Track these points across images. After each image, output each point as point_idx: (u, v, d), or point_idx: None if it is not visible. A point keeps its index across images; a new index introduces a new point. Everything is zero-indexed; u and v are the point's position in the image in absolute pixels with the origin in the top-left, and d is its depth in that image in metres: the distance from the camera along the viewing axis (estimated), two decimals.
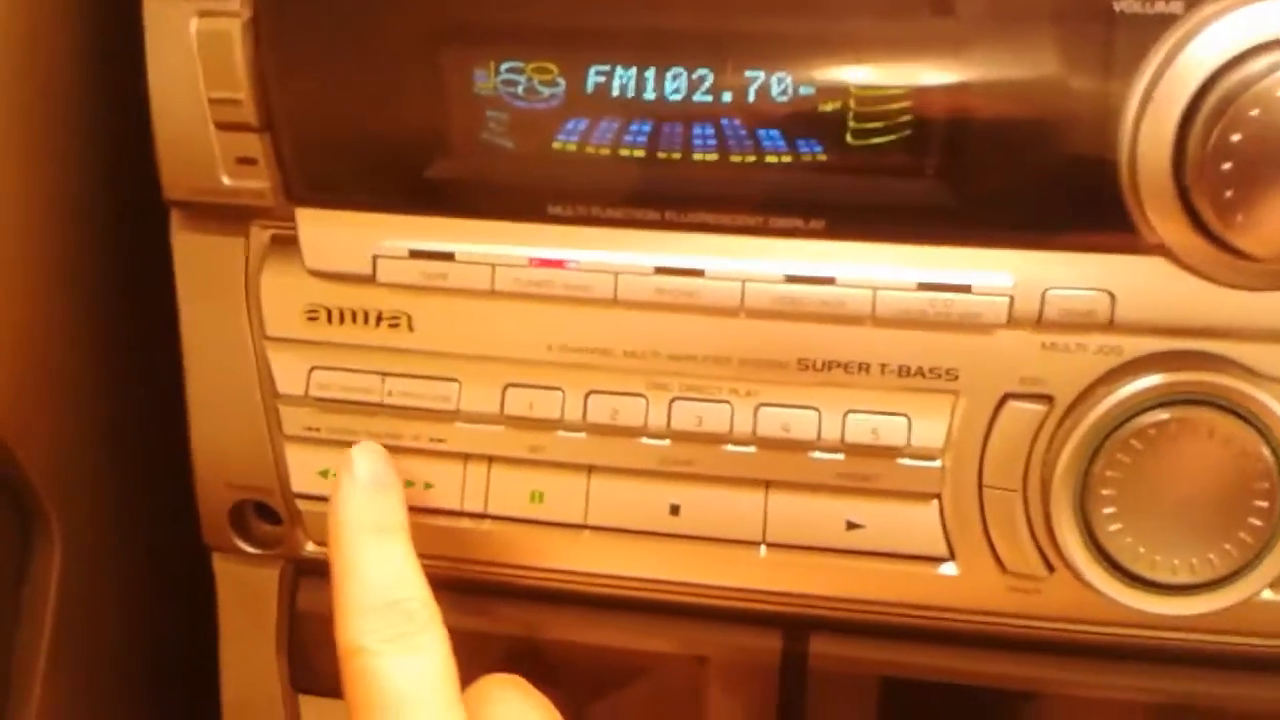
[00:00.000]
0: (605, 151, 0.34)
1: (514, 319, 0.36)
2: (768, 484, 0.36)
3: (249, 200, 0.36)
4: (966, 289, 0.33)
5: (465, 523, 0.38)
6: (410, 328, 0.37)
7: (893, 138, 0.32)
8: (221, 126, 0.35)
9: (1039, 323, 0.33)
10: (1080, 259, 0.32)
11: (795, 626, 0.39)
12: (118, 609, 0.45)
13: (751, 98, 0.32)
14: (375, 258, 0.36)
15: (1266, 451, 0.32)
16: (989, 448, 0.35)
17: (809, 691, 0.39)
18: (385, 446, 0.38)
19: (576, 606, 0.40)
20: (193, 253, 0.38)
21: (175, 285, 0.39)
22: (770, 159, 0.33)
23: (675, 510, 0.37)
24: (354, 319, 0.37)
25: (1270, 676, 0.36)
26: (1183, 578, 0.33)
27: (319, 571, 0.41)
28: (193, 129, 0.35)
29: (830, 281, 0.34)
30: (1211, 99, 0.29)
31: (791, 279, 0.34)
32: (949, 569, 0.36)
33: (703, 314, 0.35)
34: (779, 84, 0.32)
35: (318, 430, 0.38)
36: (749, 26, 0.32)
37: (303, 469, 0.39)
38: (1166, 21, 0.30)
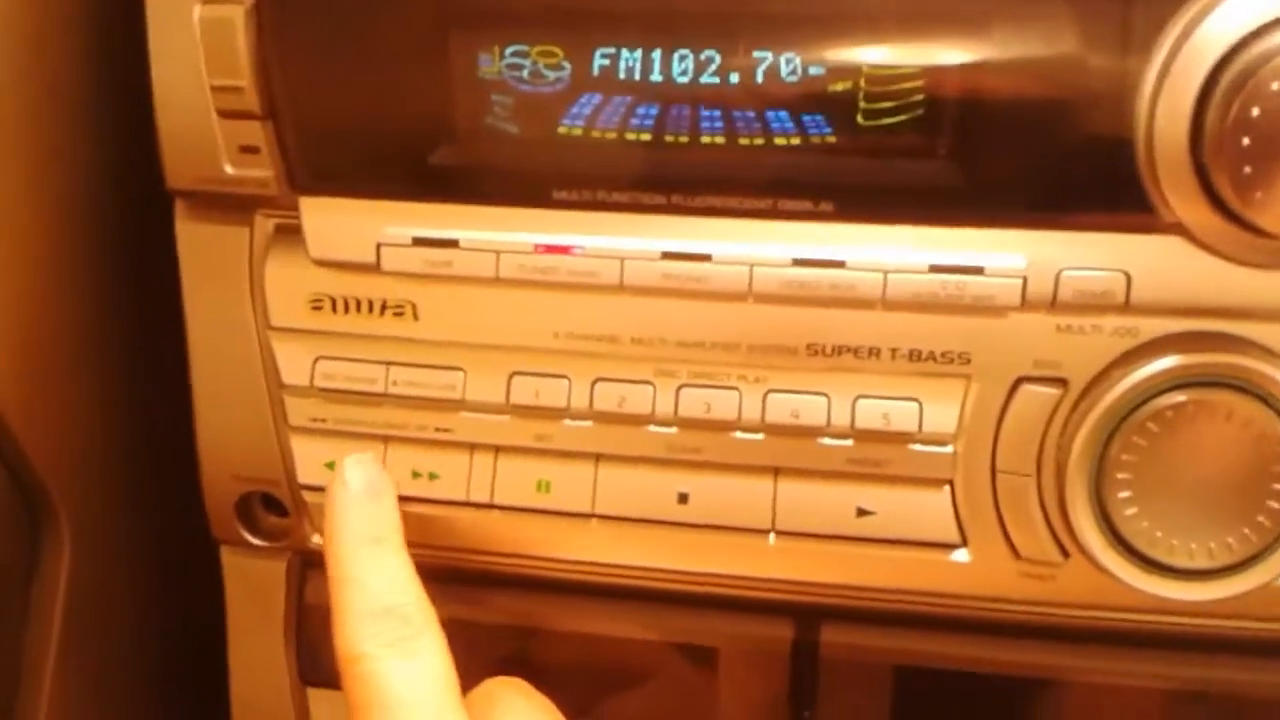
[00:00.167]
0: (611, 135, 0.33)
1: (519, 306, 0.36)
2: (777, 471, 0.36)
3: (252, 189, 0.36)
4: (979, 271, 0.33)
5: (471, 513, 0.38)
6: (415, 316, 0.36)
7: (904, 118, 0.32)
8: (224, 114, 0.35)
9: (1053, 304, 0.33)
10: (1095, 239, 0.32)
11: (806, 615, 0.38)
12: (127, 604, 0.45)
13: (760, 78, 0.32)
14: (379, 246, 0.35)
15: None
16: (1002, 432, 0.34)
17: (821, 680, 0.38)
18: (391, 437, 0.38)
19: (584, 597, 0.39)
20: (197, 243, 0.38)
21: (180, 276, 0.39)
22: (779, 141, 0.33)
23: (684, 499, 0.36)
24: (358, 308, 0.37)
25: None
26: (1200, 562, 0.33)
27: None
28: (195, 117, 0.35)
29: (840, 265, 0.33)
30: (1230, 73, 0.29)
31: (800, 262, 0.33)
32: (961, 556, 0.36)
33: (710, 299, 0.34)
34: (788, 64, 0.32)
35: (323, 421, 0.38)
36: (757, 6, 0.32)
37: (308, 460, 0.39)
38: None
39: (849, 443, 0.35)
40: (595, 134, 0.33)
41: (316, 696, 0.43)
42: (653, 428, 0.36)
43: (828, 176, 0.33)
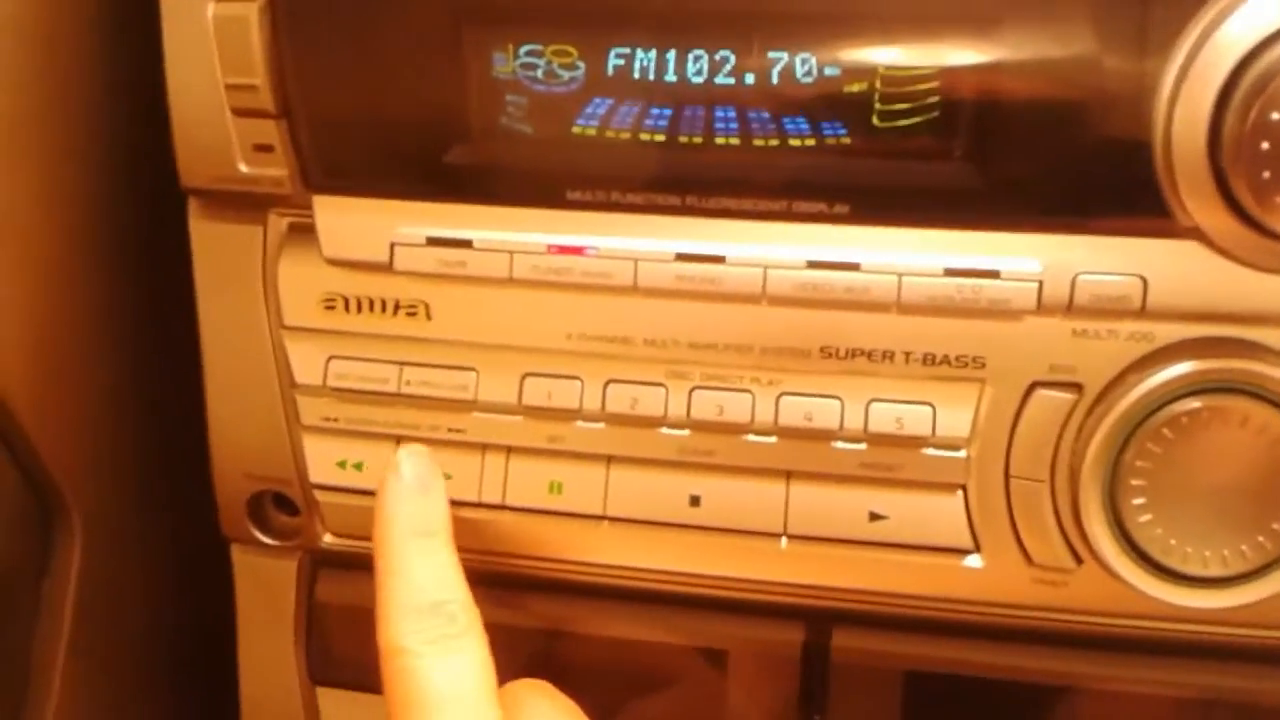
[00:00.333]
0: (625, 135, 0.33)
1: (532, 307, 0.35)
2: (789, 474, 0.36)
3: (266, 188, 0.36)
4: (995, 274, 0.32)
5: (483, 514, 0.38)
6: (428, 316, 0.36)
7: (920, 119, 0.32)
8: (238, 113, 0.35)
9: (1069, 309, 0.32)
10: (1112, 243, 0.32)
11: (817, 619, 0.38)
12: (138, 602, 0.45)
13: (775, 79, 0.32)
14: (393, 245, 0.35)
15: None
16: (1016, 437, 0.34)
17: (831, 685, 0.38)
18: (403, 437, 0.38)
19: (595, 599, 0.39)
20: (210, 242, 0.38)
21: (193, 275, 0.39)
22: (794, 142, 0.32)
23: (695, 501, 0.36)
24: (371, 308, 0.37)
25: None
26: (1214, 570, 0.32)
27: (337, 563, 0.41)
28: (209, 115, 0.35)
29: (855, 267, 0.33)
30: (1249, 76, 0.28)
31: (815, 265, 0.33)
32: (974, 561, 0.35)
33: (724, 301, 0.34)
34: (803, 65, 0.32)
35: (335, 420, 0.38)
36: (772, 6, 0.32)
37: (320, 459, 0.39)
38: None
39: (862, 446, 0.35)
40: (609, 134, 0.33)
41: (326, 695, 0.43)
42: (665, 430, 0.36)
43: (843, 178, 0.33)
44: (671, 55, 0.32)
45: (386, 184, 0.35)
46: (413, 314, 0.37)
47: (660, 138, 0.33)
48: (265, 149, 0.35)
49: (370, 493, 0.38)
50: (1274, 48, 0.28)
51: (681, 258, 0.34)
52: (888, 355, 0.34)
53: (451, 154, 0.34)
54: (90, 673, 0.42)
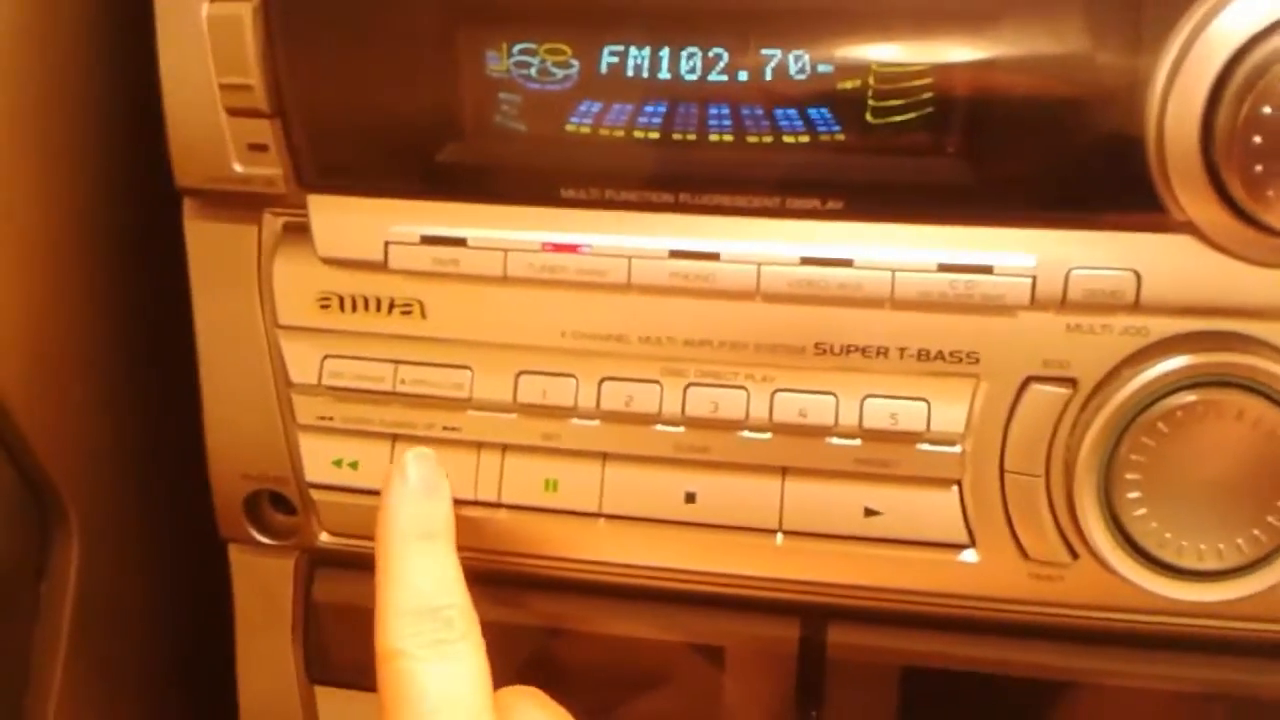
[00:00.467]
0: (619, 133, 0.33)
1: (527, 305, 0.35)
2: (784, 471, 0.36)
3: (260, 187, 0.36)
4: (988, 270, 0.32)
5: (479, 512, 0.38)
6: (423, 315, 0.36)
7: (913, 115, 0.32)
8: (232, 112, 0.35)
9: (1063, 304, 0.32)
10: (1105, 238, 0.32)
11: (813, 615, 0.38)
12: (136, 602, 0.45)
13: (768, 76, 0.32)
14: (387, 244, 0.35)
15: None
16: (1011, 432, 0.34)
17: (828, 681, 0.38)
18: (398, 435, 0.38)
19: (591, 596, 0.39)
20: (205, 241, 0.38)
21: (189, 275, 0.39)
22: (787, 139, 0.32)
23: (691, 498, 0.36)
24: (366, 306, 0.37)
25: None
26: (1210, 563, 0.32)
27: (334, 562, 0.41)
28: (204, 115, 0.35)
29: (848, 263, 0.33)
30: (1242, 71, 0.28)
31: (809, 261, 0.33)
32: (970, 556, 0.35)
33: (718, 298, 0.34)
34: (796, 62, 0.32)
35: (331, 419, 0.38)
36: (765, 3, 0.32)
37: (316, 458, 0.39)
38: None
39: (857, 442, 0.35)
40: (603, 132, 0.33)
41: (324, 694, 0.43)
42: (660, 427, 0.36)
43: (836, 175, 0.33)
44: (665, 53, 0.32)
45: (381, 183, 0.35)
46: (407, 312, 0.37)
47: (654, 135, 0.33)
48: (259, 148, 0.35)
49: (366, 491, 0.38)
50: (1266, 42, 0.28)
51: (675, 255, 0.34)
52: (882, 351, 0.34)
53: (445, 152, 0.34)
54: (89, 673, 0.42)
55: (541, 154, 0.34)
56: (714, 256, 0.34)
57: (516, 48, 0.33)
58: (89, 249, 0.40)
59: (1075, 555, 0.35)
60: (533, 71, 0.33)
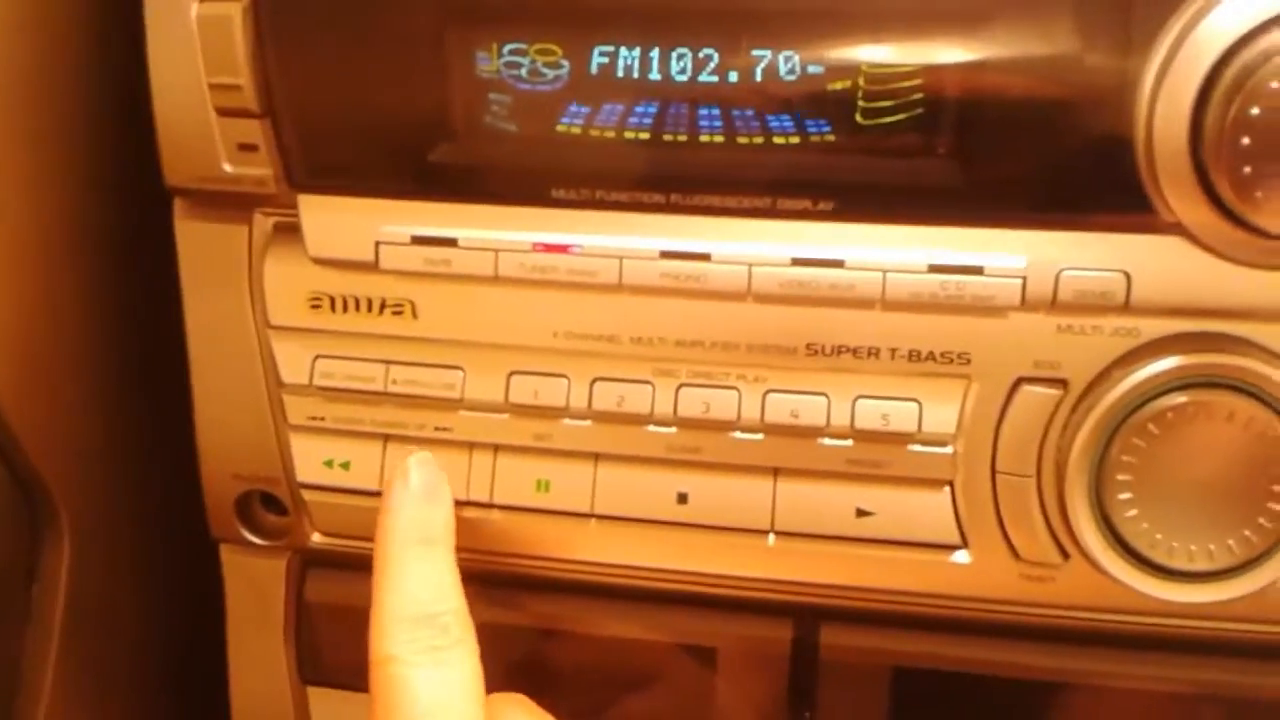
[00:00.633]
0: (610, 134, 0.33)
1: (518, 305, 0.35)
2: (776, 471, 0.36)
3: (250, 187, 0.36)
4: (979, 271, 0.32)
5: (471, 512, 0.38)
6: (414, 315, 0.36)
7: (903, 117, 0.32)
8: (222, 112, 0.35)
9: (1053, 305, 0.32)
10: (1095, 239, 0.32)
11: (805, 616, 0.38)
12: (127, 603, 0.45)
13: (758, 77, 0.32)
14: (378, 244, 0.35)
15: None
16: (1002, 433, 0.34)
17: (820, 682, 0.38)
18: (390, 435, 0.38)
19: (583, 597, 0.39)
20: (196, 241, 0.38)
21: (179, 275, 0.39)
22: (778, 140, 0.32)
23: (683, 498, 0.36)
24: (357, 307, 0.37)
25: None
26: (1201, 564, 0.32)
27: (326, 562, 0.41)
28: (193, 115, 0.35)
29: (839, 264, 0.33)
30: (1230, 72, 0.28)
31: (800, 262, 0.33)
32: (961, 557, 0.35)
33: (709, 298, 0.34)
34: (787, 63, 0.32)
35: (322, 419, 0.38)
36: (756, 4, 0.32)
37: (308, 459, 0.39)
38: None
39: (848, 443, 0.35)
40: (594, 133, 0.33)
41: (316, 695, 0.43)
42: (652, 427, 0.36)
43: (827, 175, 0.33)
44: (655, 53, 0.32)
45: (371, 183, 0.35)
46: (398, 313, 0.37)
47: (644, 136, 0.33)
48: (249, 148, 0.35)
49: (358, 492, 0.38)
50: (1254, 44, 0.28)
51: (666, 255, 0.34)
52: (873, 352, 0.34)
53: (436, 153, 0.34)
54: (80, 674, 0.42)
55: (532, 154, 0.34)
56: (705, 257, 0.34)
57: (507, 48, 0.33)
58: (80, 249, 0.40)
59: (1066, 556, 0.35)
60: (523, 72, 0.33)
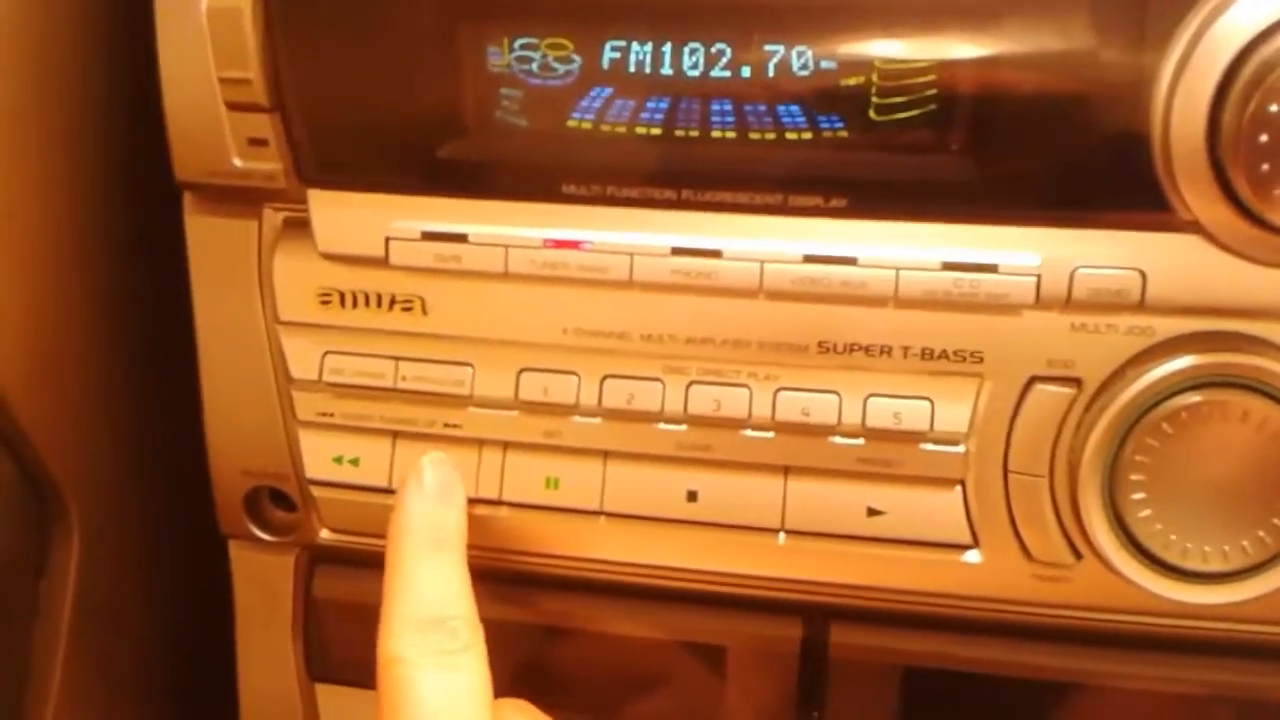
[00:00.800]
0: (621, 129, 0.33)
1: (528, 302, 0.35)
2: (787, 469, 0.36)
3: (260, 182, 0.36)
4: (992, 269, 0.32)
5: (480, 509, 0.37)
6: (424, 311, 0.36)
7: (917, 113, 0.31)
8: (232, 107, 0.35)
9: (1067, 303, 0.32)
10: (1110, 237, 0.32)
11: (815, 615, 0.38)
12: (136, 599, 0.45)
13: (771, 72, 0.32)
14: (388, 240, 0.35)
15: None
16: (1015, 432, 0.34)
17: (830, 681, 0.38)
18: (399, 432, 0.38)
19: (592, 595, 0.39)
20: (206, 236, 0.38)
21: (189, 270, 0.38)
22: (790, 136, 0.32)
23: (693, 496, 0.36)
24: (367, 302, 0.37)
25: None
26: (1214, 565, 0.32)
27: (334, 559, 0.41)
28: (203, 109, 0.35)
29: (852, 261, 0.33)
30: (1248, 68, 0.28)
31: (811, 259, 0.33)
32: (973, 557, 0.35)
33: (721, 295, 0.34)
34: (799, 58, 0.31)
35: (331, 415, 0.38)
36: None
37: (317, 455, 0.39)
38: None
39: (860, 441, 0.35)
40: (605, 128, 0.33)
41: (324, 692, 0.43)
42: (662, 425, 0.36)
43: (839, 172, 0.33)
44: (667, 48, 0.32)
45: (381, 178, 0.35)
46: (408, 309, 0.36)
47: (656, 131, 0.33)
48: (259, 143, 0.35)
49: (367, 488, 0.38)
50: (1272, 40, 0.28)
51: (678, 252, 0.34)
52: (885, 350, 0.34)
53: (446, 148, 0.34)
54: (89, 670, 0.42)
55: (543, 150, 0.34)
56: (716, 254, 0.34)
57: (518, 43, 0.33)
58: (89, 244, 0.40)
59: (1079, 556, 0.34)
60: (534, 67, 0.33)
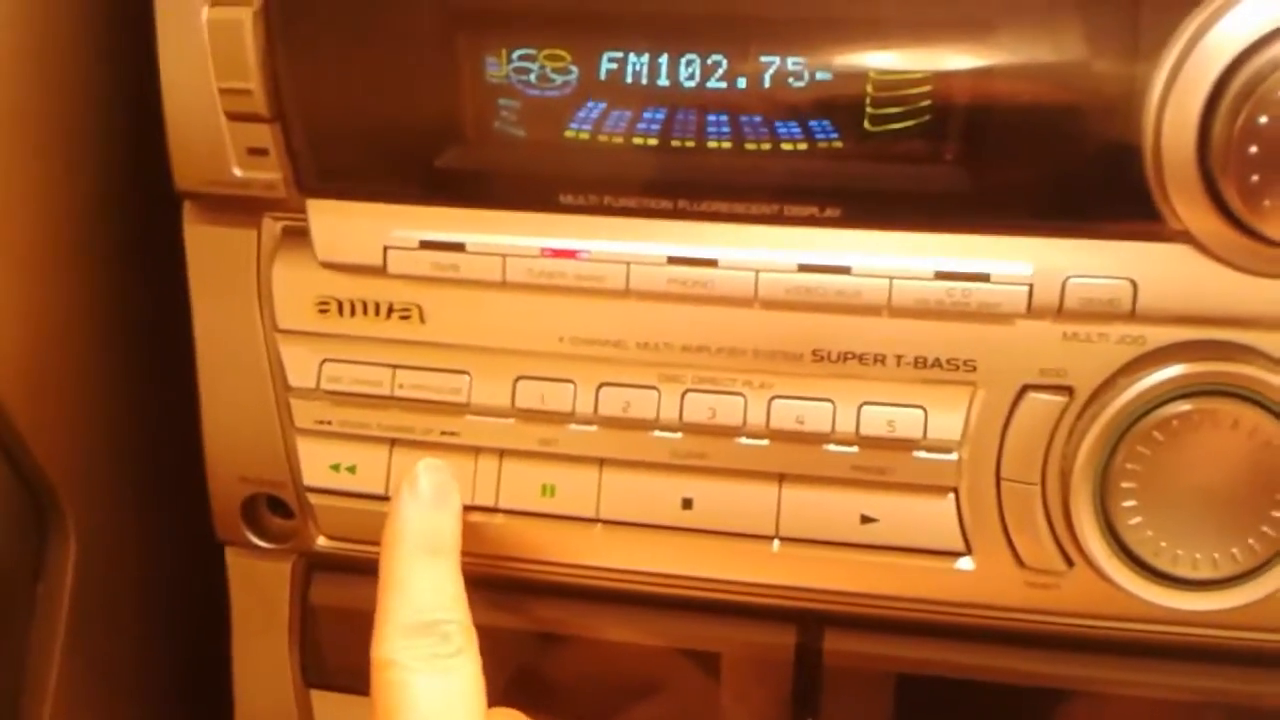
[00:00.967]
0: (618, 140, 0.33)
1: (525, 310, 0.36)
2: (781, 477, 0.36)
3: (260, 191, 0.36)
4: (985, 278, 0.32)
5: (476, 516, 0.38)
6: (421, 319, 0.37)
7: (911, 123, 0.32)
8: (232, 116, 0.35)
9: (1059, 312, 0.32)
10: (1102, 246, 0.32)
11: (810, 622, 0.38)
12: (132, 605, 0.45)
13: (767, 83, 0.32)
14: (386, 249, 0.35)
15: None
16: (1007, 440, 0.34)
17: (824, 688, 0.38)
18: (396, 439, 0.38)
19: (588, 602, 0.39)
20: (205, 245, 0.38)
21: (188, 278, 0.39)
22: (786, 146, 0.33)
23: (688, 504, 0.36)
24: (365, 311, 0.37)
25: None
26: (1204, 572, 0.32)
27: (331, 566, 0.41)
28: (204, 119, 0.35)
29: (846, 271, 0.33)
30: (1238, 80, 0.28)
31: (806, 268, 0.33)
32: (966, 564, 0.35)
33: (716, 304, 0.34)
34: (795, 69, 0.32)
35: (329, 423, 0.38)
36: (764, 10, 0.32)
37: (314, 462, 0.39)
38: (1193, 0, 0.29)
39: (854, 449, 0.35)
40: (602, 138, 0.33)
41: (320, 698, 0.43)
42: (657, 433, 0.36)
43: (834, 182, 0.33)
44: (664, 59, 0.32)
45: (380, 188, 0.35)
46: (406, 317, 0.37)
47: (653, 142, 0.33)
48: (259, 153, 0.35)
49: (364, 496, 0.38)
50: (1262, 52, 0.28)
51: (674, 261, 0.34)
52: (879, 358, 0.34)
53: (444, 158, 0.34)
54: (85, 675, 0.42)
55: (540, 160, 0.34)
56: (712, 263, 0.34)
57: (516, 54, 0.33)
58: (88, 252, 0.40)
59: (1071, 563, 0.35)
60: (532, 77, 0.33)
